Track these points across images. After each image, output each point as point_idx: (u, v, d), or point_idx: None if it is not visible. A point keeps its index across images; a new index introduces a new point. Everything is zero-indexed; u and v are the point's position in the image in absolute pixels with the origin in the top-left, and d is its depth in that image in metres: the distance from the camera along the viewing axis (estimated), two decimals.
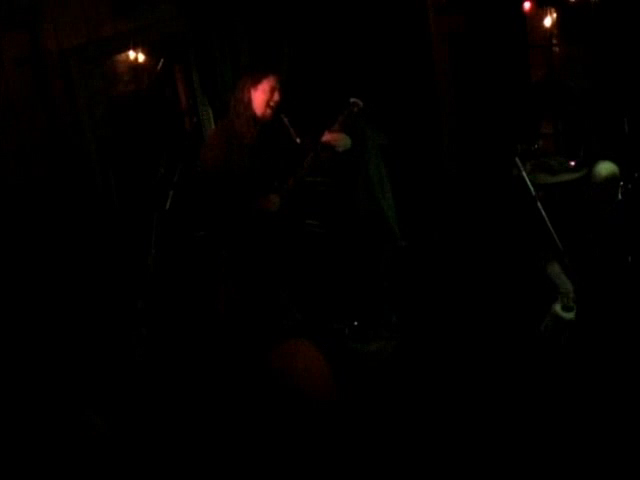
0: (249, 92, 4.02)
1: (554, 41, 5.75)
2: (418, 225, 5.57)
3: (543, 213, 4.09)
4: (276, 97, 4.03)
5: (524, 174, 4.17)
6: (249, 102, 4.02)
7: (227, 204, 4.06)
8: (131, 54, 4.94)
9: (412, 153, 5.72)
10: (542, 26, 5.71)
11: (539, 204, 4.11)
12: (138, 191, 4.95)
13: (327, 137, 4.13)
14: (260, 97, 4.02)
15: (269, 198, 4.10)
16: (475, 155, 5.89)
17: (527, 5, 5.61)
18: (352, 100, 4.13)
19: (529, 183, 4.15)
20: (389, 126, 5.44)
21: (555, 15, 5.67)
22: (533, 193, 4.14)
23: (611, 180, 4.23)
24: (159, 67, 5.40)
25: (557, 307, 4.24)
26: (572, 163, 5.02)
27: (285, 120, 4.09)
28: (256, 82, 4.01)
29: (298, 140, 4.07)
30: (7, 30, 4.17)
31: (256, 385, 1.80)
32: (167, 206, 4.08)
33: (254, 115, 4.04)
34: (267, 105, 4.03)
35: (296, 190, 4.17)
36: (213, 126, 5.47)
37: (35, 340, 4.07)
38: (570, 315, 4.17)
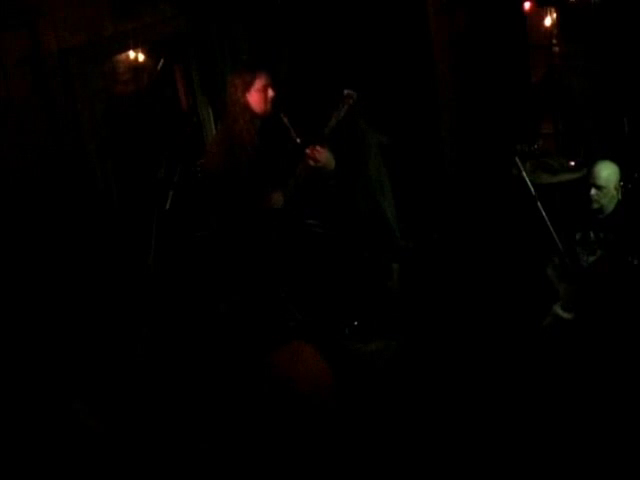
0: (243, 95, 4.01)
1: (554, 41, 5.75)
2: (418, 225, 5.57)
3: (543, 213, 4.09)
4: (270, 93, 4.04)
5: (524, 174, 4.17)
6: (246, 104, 4.01)
7: (230, 205, 4.07)
8: (131, 54, 4.94)
9: (412, 153, 5.72)
10: (542, 26, 5.71)
11: (539, 204, 4.11)
12: (138, 191, 4.95)
13: (310, 152, 4.01)
14: (255, 97, 4.02)
15: (273, 196, 4.11)
16: (475, 155, 5.89)
17: (527, 5, 5.62)
18: (346, 92, 4.04)
19: (529, 183, 4.15)
20: (389, 126, 5.43)
21: (555, 15, 5.67)
22: (533, 193, 4.14)
23: (611, 180, 4.23)
24: (159, 67, 5.41)
25: (557, 307, 4.24)
26: (572, 163, 5.02)
27: (285, 120, 4.09)
28: (248, 84, 4.00)
29: (298, 140, 4.06)
30: (7, 30, 4.16)
31: (257, 387, 1.80)
32: (167, 206, 4.08)
33: (253, 114, 4.05)
34: (264, 102, 4.04)
35: (296, 190, 4.17)
36: (213, 126, 5.47)
37: (34, 338, 4.07)
38: (570, 315, 4.17)
